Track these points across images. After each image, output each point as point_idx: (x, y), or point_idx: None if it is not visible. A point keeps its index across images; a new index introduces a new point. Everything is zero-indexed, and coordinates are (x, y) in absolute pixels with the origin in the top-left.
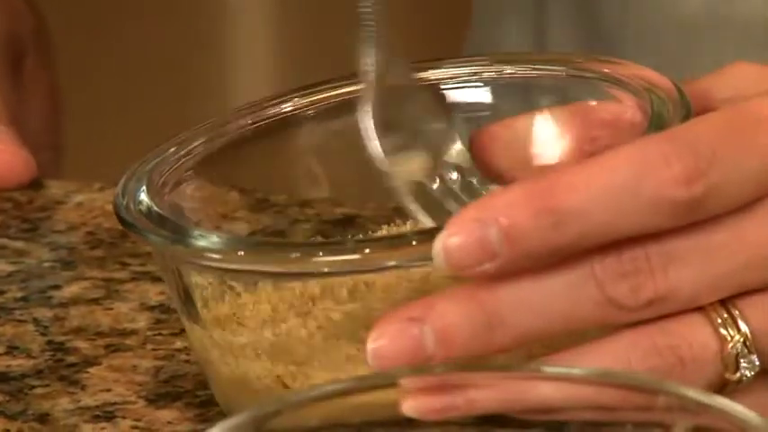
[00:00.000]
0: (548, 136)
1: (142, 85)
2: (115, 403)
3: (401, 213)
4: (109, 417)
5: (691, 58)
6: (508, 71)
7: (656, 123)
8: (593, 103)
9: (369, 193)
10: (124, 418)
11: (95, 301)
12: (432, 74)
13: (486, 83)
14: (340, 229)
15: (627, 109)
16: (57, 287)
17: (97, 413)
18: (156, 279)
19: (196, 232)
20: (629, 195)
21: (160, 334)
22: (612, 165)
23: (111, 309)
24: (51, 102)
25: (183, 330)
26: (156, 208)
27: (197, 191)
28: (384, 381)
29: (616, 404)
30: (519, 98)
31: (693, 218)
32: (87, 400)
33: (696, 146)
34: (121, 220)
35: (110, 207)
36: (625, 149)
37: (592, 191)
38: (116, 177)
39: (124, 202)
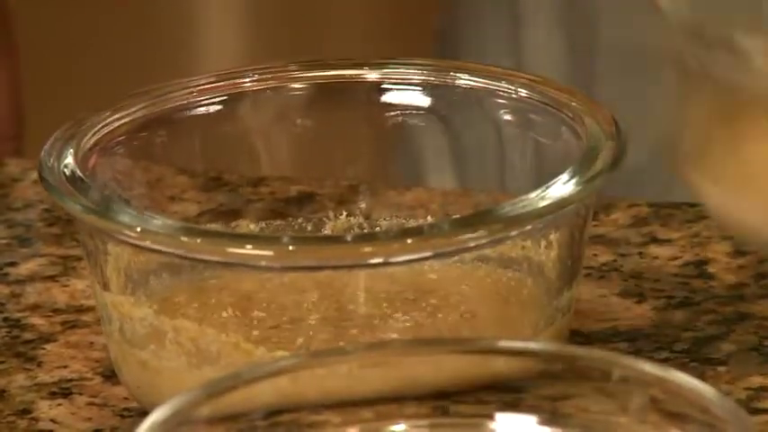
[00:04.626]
0: None
1: (103, 63)
2: (71, 380)
3: (355, 192)
4: (65, 393)
5: None
6: (459, 80)
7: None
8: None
9: (326, 170)
10: (80, 394)
11: (52, 278)
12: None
13: (435, 89)
14: (295, 208)
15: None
16: (13, 264)
17: (54, 389)
18: None
19: (116, 206)
20: None
21: None
22: None
23: (68, 285)
24: (14, 90)
25: None
26: (79, 172)
27: (144, 172)
28: (339, 355)
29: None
30: (460, 108)
31: None
32: (44, 376)
33: None
34: (43, 181)
35: None
36: None
37: None
38: None
39: (49, 163)
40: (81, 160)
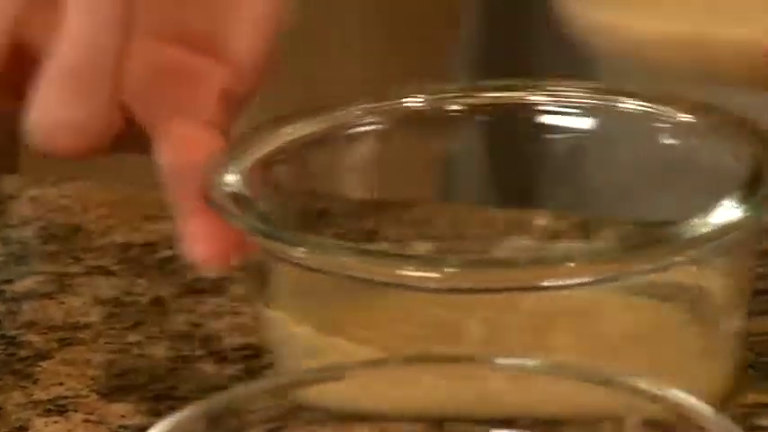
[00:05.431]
0: None
1: None
2: (67, 397)
3: None
4: (61, 410)
5: None
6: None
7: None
8: None
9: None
10: (76, 411)
11: (48, 295)
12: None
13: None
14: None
15: None
16: (9, 281)
17: (49, 407)
18: (110, 273)
19: (281, 225)
20: None
21: (113, 328)
22: None
23: (64, 303)
24: None
25: (136, 324)
26: (243, 191)
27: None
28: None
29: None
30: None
31: None
32: (40, 393)
33: None
34: (209, 200)
35: (63, 202)
36: None
37: None
38: (70, 172)
39: (212, 181)
40: (245, 177)
